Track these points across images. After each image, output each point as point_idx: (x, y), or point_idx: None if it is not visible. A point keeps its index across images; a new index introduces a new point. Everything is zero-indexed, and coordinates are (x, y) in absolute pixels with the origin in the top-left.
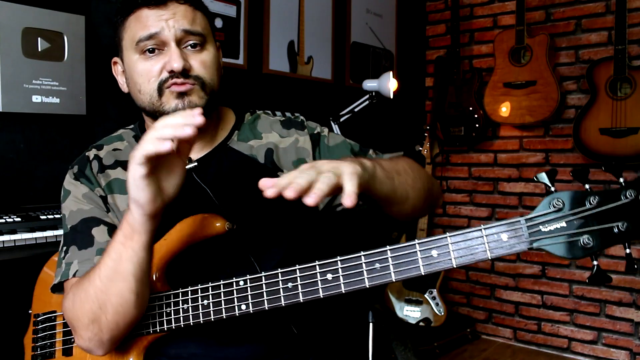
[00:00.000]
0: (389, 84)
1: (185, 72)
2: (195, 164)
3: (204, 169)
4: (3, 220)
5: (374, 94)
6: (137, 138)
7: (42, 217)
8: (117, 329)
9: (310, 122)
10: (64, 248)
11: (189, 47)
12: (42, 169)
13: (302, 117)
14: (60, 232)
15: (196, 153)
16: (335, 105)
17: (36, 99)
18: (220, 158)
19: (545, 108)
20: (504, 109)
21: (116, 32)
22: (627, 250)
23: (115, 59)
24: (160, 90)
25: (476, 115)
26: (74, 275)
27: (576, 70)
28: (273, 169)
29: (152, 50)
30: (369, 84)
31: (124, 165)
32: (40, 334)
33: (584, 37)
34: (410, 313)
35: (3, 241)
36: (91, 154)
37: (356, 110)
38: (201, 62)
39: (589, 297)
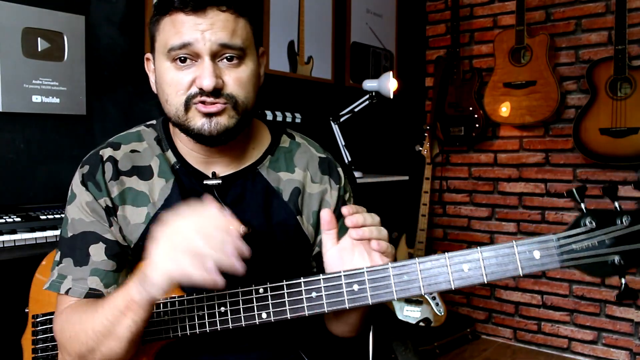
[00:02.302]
0: (389, 84)
1: (216, 91)
2: (219, 181)
3: (226, 189)
4: (3, 220)
5: (374, 94)
6: (159, 141)
7: (42, 217)
8: None
9: (345, 179)
10: (60, 254)
11: (225, 60)
12: (42, 169)
13: (340, 169)
14: (59, 232)
15: (222, 169)
16: (335, 105)
17: (36, 99)
18: (246, 181)
19: (545, 108)
20: (504, 109)
21: (151, 28)
22: None
23: (148, 55)
24: (187, 105)
25: (476, 115)
26: (66, 292)
27: (576, 70)
28: (294, 212)
29: (183, 60)
30: (369, 84)
31: (141, 172)
32: (40, 335)
33: (584, 37)
34: (410, 313)
35: (3, 241)
36: (106, 153)
37: (356, 110)
38: (236, 79)
39: (589, 297)
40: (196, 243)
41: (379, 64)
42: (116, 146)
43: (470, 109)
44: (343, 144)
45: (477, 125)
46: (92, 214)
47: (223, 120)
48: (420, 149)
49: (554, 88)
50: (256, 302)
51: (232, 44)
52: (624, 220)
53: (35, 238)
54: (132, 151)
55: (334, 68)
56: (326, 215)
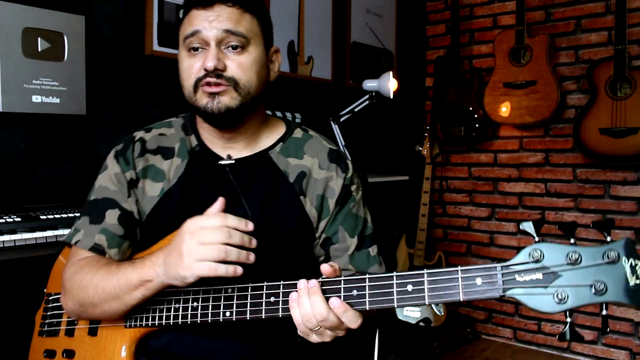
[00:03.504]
0: (389, 84)
1: (219, 73)
2: (233, 161)
3: (239, 170)
4: (3, 220)
5: (374, 94)
6: (185, 128)
7: (42, 217)
8: (97, 319)
9: (353, 172)
10: (81, 214)
11: (230, 49)
12: (42, 169)
13: (350, 162)
14: (60, 232)
15: (237, 153)
16: (335, 105)
17: (36, 99)
18: (256, 164)
19: (545, 108)
20: (504, 109)
21: (177, 31)
22: (603, 312)
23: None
24: (196, 87)
25: (476, 115)
26: (75, 243)
27: (576, 70)
28: (297, 192)
29: (196, 49)
30: (369, 84)
31: (164, 152)
32: (49, 312)
33: (584, 37)
34: (410, 313)
35: (3, 241)
36: (138, 134)
37: (356, 110)
38: (238, 64)
39: None
40: (220, 239)
41: (379, 64)
42: (148, 130)
43: (470, 109)
44: (343, 144)
45: (477, 125)
46: (117, 184)
47: (225, 100)
48: (420, 149)
49: (554, 88)
50: (223, 301)
51: (234, 31)
52: (572, 257)
53: (36, 238)
54: (160, 135)
55: (333, 68)
56: (326, 270)
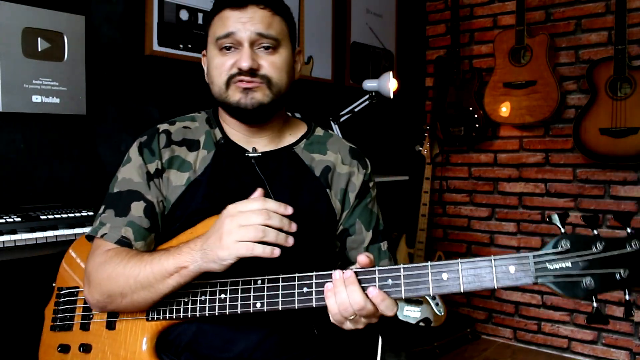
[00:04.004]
0: (389, 84)
1: (253, 71)
2: (259, 154)
3: (265, 162)
4: (3, 220)
5: (374, 94)
6: (210, 122)
7: (42, 217)
8: (123, 310)
9: (371, 171)
10: (104, 207)
11: (262, 49)
12: (42, 169)
13: (368, 161)
14: (60, 232)
15: (261, 147)
16: (335, 105)
17: (36, 99)
18: (282, 158)
19: (545, 108)
20: (504, 109)
21: (205, 27)
22: (627, 297)
23: (204, 52)
24: (228, 83)
25: (476, 115)
26: (102, 236)
27: (576, 70)
28: (324, 185)
29: (228, 48)
30: (369, 84)
31: (189, 144)
32: (61, 306)
33: (584, 37)
34: (410, 313)
35: (3, 241)
36: (162, 127)
37: (356, 110)
38: (271, 63)
39: None
40: (259, 221)
41: (379, 64)
42: (172, 123)
43: (470, 109)
44: None
45: (477, 125)
46: (142, 176)
47: (258, 96)
48: (420, 149)
49: (554, 88)
50: (253, 292)
51: (267, 34)
52: (598, 246)
53: (36, 238)
54: (185, 127)
55: (333, 68)
56: (363, 260)
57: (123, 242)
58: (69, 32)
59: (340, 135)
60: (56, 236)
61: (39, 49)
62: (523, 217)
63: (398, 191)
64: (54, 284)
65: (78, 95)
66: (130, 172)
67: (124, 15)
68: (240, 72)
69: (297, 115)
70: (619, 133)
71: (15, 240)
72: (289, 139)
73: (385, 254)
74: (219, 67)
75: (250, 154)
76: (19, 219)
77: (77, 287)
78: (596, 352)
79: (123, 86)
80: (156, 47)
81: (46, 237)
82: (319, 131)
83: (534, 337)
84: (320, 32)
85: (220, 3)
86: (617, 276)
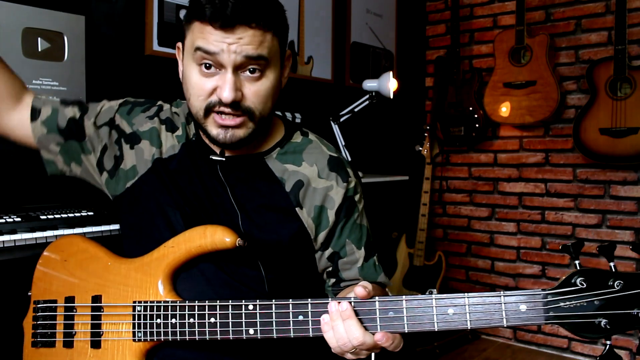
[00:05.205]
0: (389, 84)
1: (235, 103)
2: (223, 159)
3: (230, 168)
4: (3, 220)
5: (374, 94)
6: (187, 117)
7: (42, 217)
8: None
9: (356, 182)
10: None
11: (248, 72)
12: (42, 169)
13: (351, 171)
14: (60, 232)
15: (231, 152)
16: (335, 105)
17: None
18: (250, 166)
19: (545, 108)
20: (504, 109)
21: (183, 20)
22: None
23: (179, 44)
24: (207, 111)
25: (476, 115)
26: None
27: (576, 70)
28: (293, 202)
29: (208, 67)
30: (369, 84)
31: (169, 126)
32: (40, 320)
33: (584, 37)
34: None
35: (3, 241)
36: (160, 102)
37: (356, 110)
38: (255, 92)
39: None
40: None
41: (379, 64)
42: (177, 105)
43: (470, 109)
44: (343, 144)
45: (477, 125)
46: (106, 113)
47: (239, 133)
48: (420, 149)
49: (554, 88)
50: (245, 318)
51: (256, 55)
52: (616, 284)
53: (36, 238)
54: (174, 113)
55: (333, 68)
56: (360, 293)
57: (35, 103)
58: (69, 32)
59: (340, 135)
60: (56, 236)
61: (39, 49)
62: (523, 217)
63: (398, 191)
64: (29, 293)
65: (78, 95)
66: (108, 105)
67: (124, 15)
68: (221, 102)
69: (297, 115)
70: (619, 133)
71: (15, 240)
72: (262, 146)
73: (379, 269)
74: (197, 87)
75: (214, 157)
76: (19, 219)
77: (55, 301)
78: (596, 352)
79: (123, 86)
80: (156, 47)
81: (46, 237)
82: (297, 137)
83: (534, 337)
84: (320, 32)
85: (201, 11)
86: (635, 313)
